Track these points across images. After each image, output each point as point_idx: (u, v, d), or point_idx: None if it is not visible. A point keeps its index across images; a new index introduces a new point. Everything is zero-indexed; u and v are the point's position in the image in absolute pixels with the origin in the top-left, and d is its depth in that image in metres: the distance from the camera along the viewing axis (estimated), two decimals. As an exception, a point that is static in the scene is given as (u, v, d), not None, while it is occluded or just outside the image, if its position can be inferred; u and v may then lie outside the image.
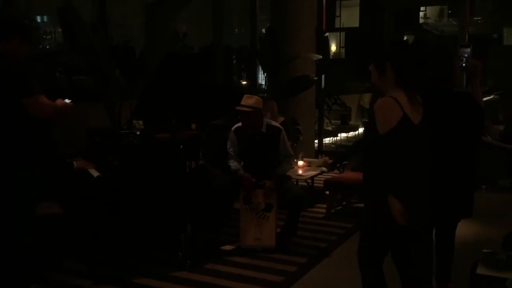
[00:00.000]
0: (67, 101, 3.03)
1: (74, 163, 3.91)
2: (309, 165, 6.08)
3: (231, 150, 4.52)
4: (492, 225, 5.06)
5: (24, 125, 2.85)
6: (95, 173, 3.93)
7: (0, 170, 2.83)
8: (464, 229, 3.88)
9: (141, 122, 4.28)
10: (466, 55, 3.19)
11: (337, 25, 23.92)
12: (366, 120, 12.08)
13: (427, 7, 23.93)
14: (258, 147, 4.45)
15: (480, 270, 2.70)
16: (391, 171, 2.48)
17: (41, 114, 2.86)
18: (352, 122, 12.58)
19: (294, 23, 7.61)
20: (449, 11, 23.99)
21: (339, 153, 7.31)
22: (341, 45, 24.56)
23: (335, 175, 6.22)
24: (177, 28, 5.49)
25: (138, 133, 4.24)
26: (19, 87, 2.78)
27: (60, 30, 6.50)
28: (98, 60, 4.85)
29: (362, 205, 5.77)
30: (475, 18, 20.86)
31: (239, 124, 4.52)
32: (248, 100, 4.36)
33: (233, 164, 4.48)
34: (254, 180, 4.37)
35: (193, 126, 4.88)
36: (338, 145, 10.64)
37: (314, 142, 8.82)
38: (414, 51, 2.64)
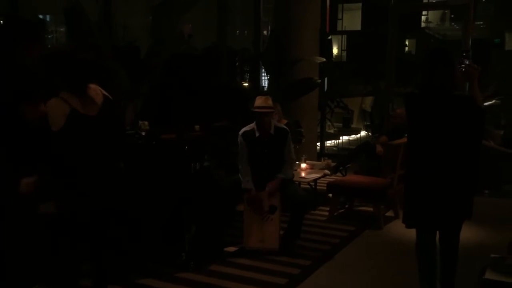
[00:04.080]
0: None
1: None
2: (312, 167, 6.08)
3: (241, 157, 4.49)
4: (496, 230, 5.06)
5: (16, 130, 2.87)
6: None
7: None
8: (467, 234, 3.89)
9: (146, 122, 4.28)
10: (465, 60, 3.20)
11: (339, 28, 23.94)
12: (368, 123, 12.10)
13: (429, 11, 23.95)
14: (266, 149, 4.45)
15: (489, 275, 2.69)
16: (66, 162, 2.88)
17: (35, 120, 2.89)
18: (354, 125, 12.58)
19: (298, 25, 7.61)
20: (452, 16, 24.03)
21: (342, 156, 7.31)
22: (343, 48, 24.57)
23: (338, 178, 6.22)
24: (182, 29, 5.48)
25: (143, 134, 4.24)
26: (20, 93, 2.82)
27: (62, 29, 6.50)
28: (103, 60, 4.85)
29: (365, 208, 5.80)
30: (477, 23, 20.88)
31: (246, 128, 4.51)
32: (268, 101, 4.42)
33: (245, 180, 4.43)
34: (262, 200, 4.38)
35: (197, 127, 4.89)
36: (340, 148, 10.65)
37: (316, 145, 8.83)
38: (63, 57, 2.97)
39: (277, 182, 4.39)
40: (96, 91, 3.05)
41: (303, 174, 5.79)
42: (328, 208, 5.61)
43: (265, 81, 8.72)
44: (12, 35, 2.89)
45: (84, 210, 3.01)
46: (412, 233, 3.37)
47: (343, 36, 24.44)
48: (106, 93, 3.10)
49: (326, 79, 9.16)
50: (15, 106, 2.83)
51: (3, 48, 2.92)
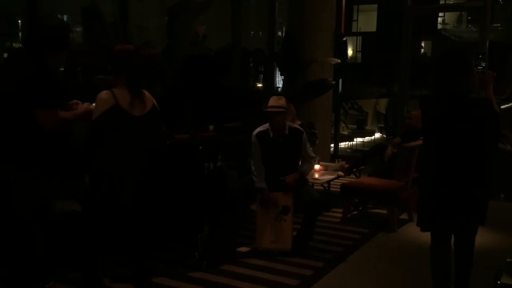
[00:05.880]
0: (93, 105, 3.07)
1: None
2: (325, 169, 6.07)
3: (254, 157, 4.50)
4: (511, 234, 5.00)
5: (26, 133, 2.92)
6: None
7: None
8: (482, 238, 3.83)
9: (161, 122, 4.30)
10: (482, 62, 3.20)
11: (354, 29, 23.88)
12: (382, 125, 12.04)
13: (446, 13, 23.78)
14: (281, 149, 4.45)
15: (505, 280, 2.67)
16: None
17: (48, 127, 2.93)
18: (368, 127, 12.52)
19: (313, 26, 7.60)
20: (469, 17, 23.81)
21: (356, 157, 7.28)
22: (358, 50, 24.46)
23: (352, 179, 6.20)
24: (196, 30, 5.51)
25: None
26: (34, 99, 2.86)
27: (78, 29, 6.57)
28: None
29: (378, 210, 5.78)
30: (495, 25, 20.66)
31: (260, 128, 4.52)
32: (280, 101, 4.42)
33: (258, 180, 4.42)
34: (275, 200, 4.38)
35: (211, 127, 4.91)
36: (353, 149, 10.61)
37: (330, 146, 8.80)
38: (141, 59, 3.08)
39: (297, 174, 4.40)
40: (149, 97, 3.12)
41: (316, 176, 5.78)
42: (341, 210, 5.59)
43: (279, 82, 8.72)
44: (41, 45, 2.95)
45: (107, 206, 3.07)
46: (426, 236, 3.35)
47: (358, 37, 24.40)
48: (156, 103, 3.16)
49: (340, 80, 9.14)
50: (26, 110, 2.87)
51: (29, 56, 2.97)
